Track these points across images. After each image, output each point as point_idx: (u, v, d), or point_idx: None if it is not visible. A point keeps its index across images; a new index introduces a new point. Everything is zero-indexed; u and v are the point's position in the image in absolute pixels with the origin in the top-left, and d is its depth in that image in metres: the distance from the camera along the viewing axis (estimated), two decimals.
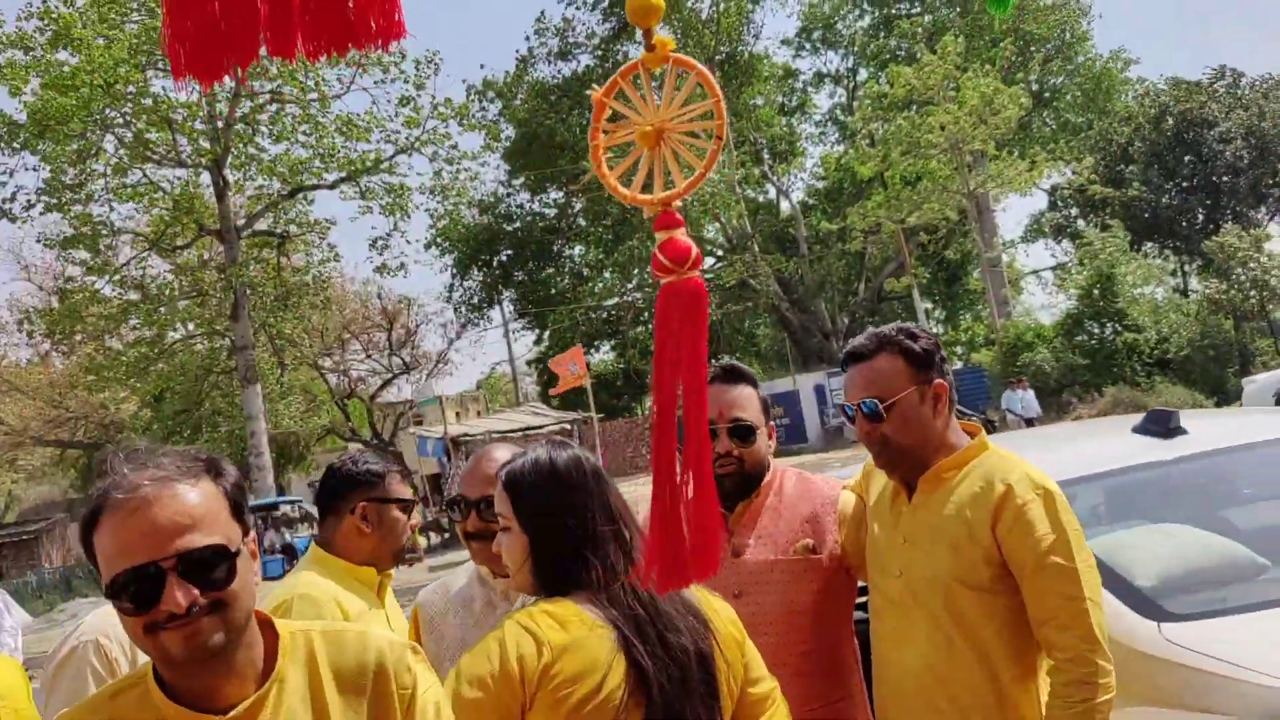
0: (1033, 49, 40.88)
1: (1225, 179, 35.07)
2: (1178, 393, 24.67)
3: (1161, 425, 3.42)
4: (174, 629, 1.49)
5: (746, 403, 2.80)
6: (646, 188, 1.65)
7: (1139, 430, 3.49)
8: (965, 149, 30.64)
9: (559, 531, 2.09)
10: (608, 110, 1.66)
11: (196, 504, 1.55)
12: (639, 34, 1.65)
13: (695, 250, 1.59)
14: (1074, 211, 40.25)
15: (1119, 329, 28.06)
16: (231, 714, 1.56)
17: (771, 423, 2.91)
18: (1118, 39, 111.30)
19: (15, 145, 22.70)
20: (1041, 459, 2.60)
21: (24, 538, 35.41)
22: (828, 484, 2.89)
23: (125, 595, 1.50)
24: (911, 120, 31.36)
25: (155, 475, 1.54)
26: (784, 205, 47.08)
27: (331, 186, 26.55)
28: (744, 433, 2.77)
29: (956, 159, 31.15)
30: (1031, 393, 24.05)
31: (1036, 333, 30.49)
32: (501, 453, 2.57)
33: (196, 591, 1.49)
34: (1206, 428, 3.65)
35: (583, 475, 2.13)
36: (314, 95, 25.21)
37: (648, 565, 2.24)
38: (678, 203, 1.62)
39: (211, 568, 1.52)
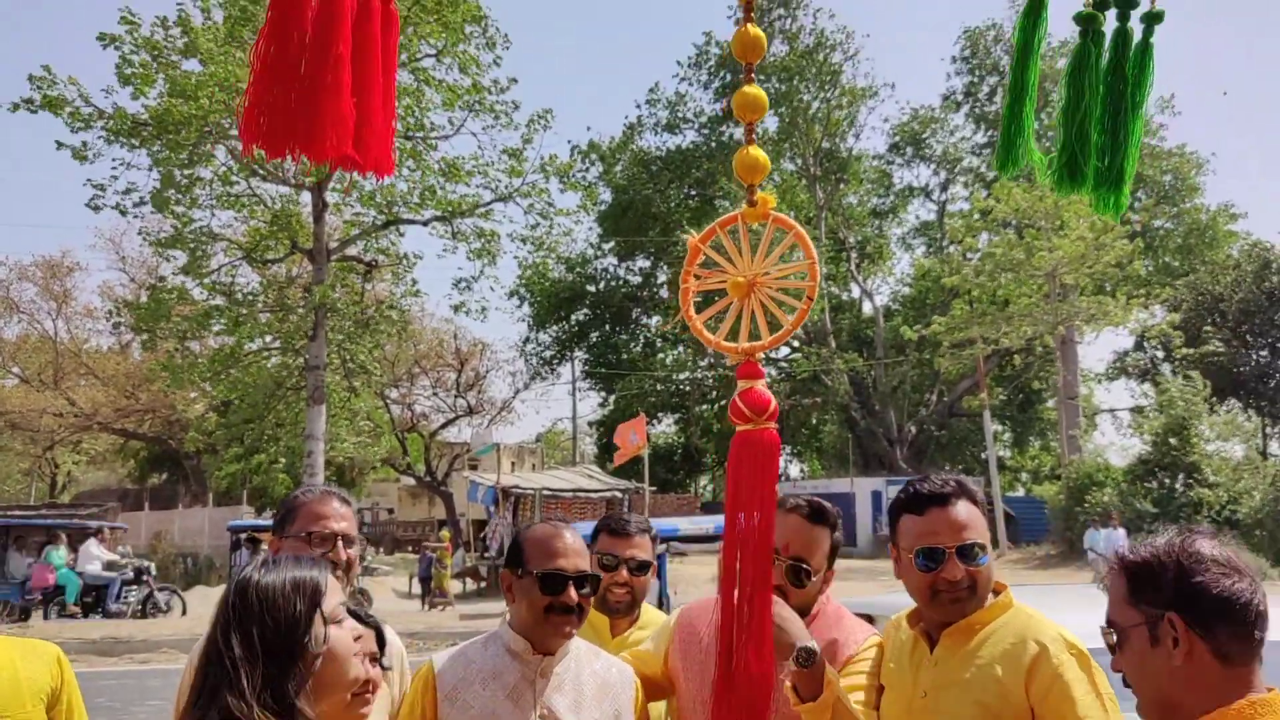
0: (1141, 190, 40.63)
1: None
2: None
3: None
4: None
5: (815, 546, 2.79)
6: (732, 334, 1.67)
7: None
8: (1060, 279, 30.43)
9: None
10: (701, 256, 1.69)
11: None
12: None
13: (774, 403, 1.61)
14: (1159, 355, 39.65)
15: (1190, 481, 27.49)
16: None
17: (833, 569, 2.88)
18: (1229, 191, 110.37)
19: (134, 143, 23.48)
20: (1067, 621, 2.56)
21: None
22: (862, 628, 2.86)
23: None
24: (1009, 241, 31.25)
25: None
26: (866, 306, 46.98)
27: (425, 223, 26.97)
28: (800, 575, 2.76)
29: (1049, 286, 30.93)
30: (1122, 531, 22.94)
31: (1106, 473, 29.94)
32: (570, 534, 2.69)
33: None
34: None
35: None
36: (421, 134, 25.76)
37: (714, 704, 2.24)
38: (760, 355, 1.63)
39: None
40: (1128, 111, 1.88)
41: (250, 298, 26.96)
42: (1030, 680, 2.36)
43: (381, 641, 2.49)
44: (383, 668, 2.50)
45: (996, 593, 2.57)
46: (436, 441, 43.07)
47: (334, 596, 2.05)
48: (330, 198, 26.17)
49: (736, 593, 1.97)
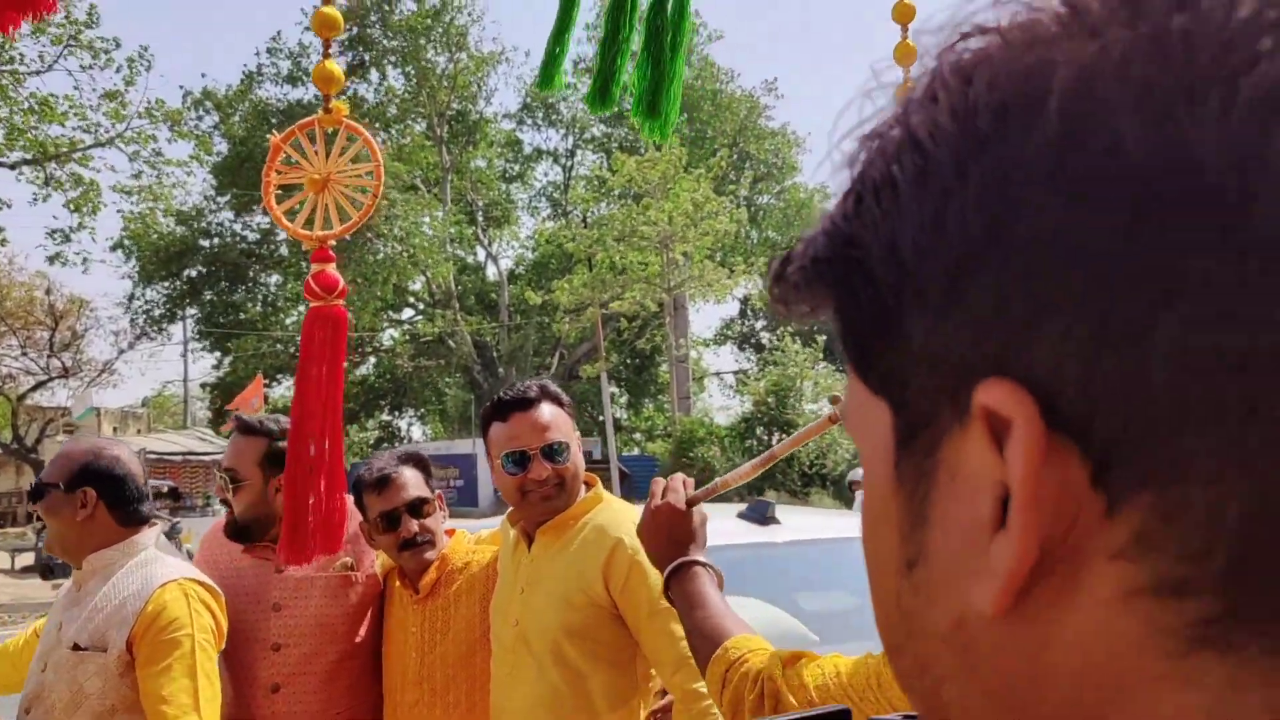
0: (747, 166, 43.43)
1: None
2: (829, 504, 26.43)
3: (759, 514, 3.87)
4: None
5: (242, 457, 3.05)
6: (308, 225, 1.87)
7: (742, 516, 3.93)
8: (674, 248, 32.03)
9: None
10: (282, 153, 1.87)
11: None
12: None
13: (342, 283, 1.84)
14: (760, 324, 42.71)
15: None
16: None
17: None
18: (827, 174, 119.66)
19: None
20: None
21: None
22: None
23: None
24: (629, 210, 32.55)
25: None
26: (491, 270, 47.53)
27: (13, 166, 24.72)
28: (229, 483, 3.04)
29: (664, 255, 32.48)
30: None
31: (709, 430, 31.90)
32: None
33: None
34: (798, 521, 4.14)
35: None
36: (8, 67, 23.55)
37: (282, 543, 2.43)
38: (331, 241, 1.85)
39: None
40: (666, 50, 2.18)
41: None
42: (608, 570, 2.44)
43: None
44: None
45: (589, 486, 2.66)
46: (25, 405, 39.60)
47: None
48: None
49: (309, 444, 2.14)
